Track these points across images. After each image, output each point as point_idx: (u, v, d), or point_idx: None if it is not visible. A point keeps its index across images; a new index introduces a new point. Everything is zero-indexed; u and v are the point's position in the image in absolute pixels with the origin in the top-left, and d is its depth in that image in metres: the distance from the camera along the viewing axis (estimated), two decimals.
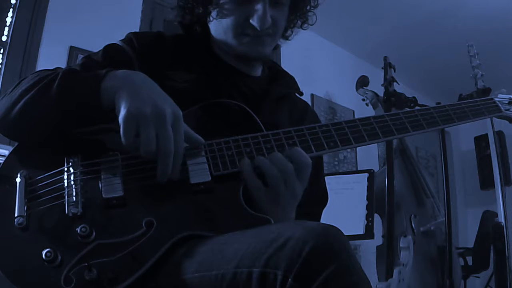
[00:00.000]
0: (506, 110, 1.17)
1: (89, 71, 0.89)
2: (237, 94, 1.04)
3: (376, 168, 2.71)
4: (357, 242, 3.43)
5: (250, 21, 0.99)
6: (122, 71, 0.85)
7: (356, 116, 0.98)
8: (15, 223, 0.74)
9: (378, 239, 2.41)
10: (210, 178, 0.83)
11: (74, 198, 0.77)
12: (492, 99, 1.17)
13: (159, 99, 0.80)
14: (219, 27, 1.04)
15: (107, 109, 0.82)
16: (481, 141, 4.85)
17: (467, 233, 5.01)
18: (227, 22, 1.01)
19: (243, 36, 1.02)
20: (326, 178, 1.22)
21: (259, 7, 0.98)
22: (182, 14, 1.09)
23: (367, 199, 2.35)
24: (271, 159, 0.86)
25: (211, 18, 1.04)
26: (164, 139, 0.77)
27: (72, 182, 0.79)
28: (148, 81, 0.84)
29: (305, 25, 1.15)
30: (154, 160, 0.81)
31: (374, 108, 2.92)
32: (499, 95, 1.20)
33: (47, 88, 0.84)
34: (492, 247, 2.79)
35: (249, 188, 0.85)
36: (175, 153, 0.78)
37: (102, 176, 0.81)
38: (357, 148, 4.45)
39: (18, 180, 0.80)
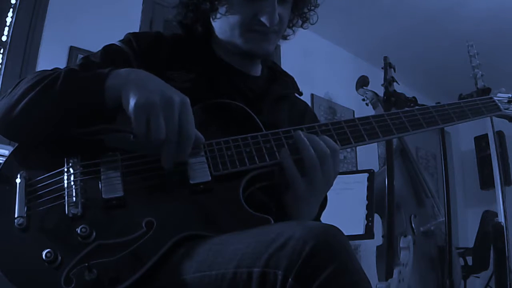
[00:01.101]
0: (505, 109, 1.17)
1: (88, 71, 0.89)
2: (237, 94, 1.04)
3: (376, 168, 2.71)
4: (357, 242, 3.43)
5: (260, 18, 0.99)
6: (125, 69, 0.85)
7: (356, 116, 0.97)
8: (15, 224, 0.74)
9: (378, 239, 2.41)
10: (210, 178, 0.82)
11: (74, 198, 0.77)
12: (491, 98, 1.17)
13: (166, 89, 0.80)
14: (225, 24, 1.04)
15: (110, 108, 0.82)
16: (481, 141, 4.86)
17: (467, 233, 5.02)
18: (234, 18, 1.01)
19: (250, 33, 1.02)
20: None
21: (269, 3, 0.98)
22: (185, 12, 1.09)
23: (367, 199, 2.34)
24: (309, 139, 0.87)
25: (218, 15, 1.03)
26: (170, 126, 0.77)
27: (72, 183, 0.79)
28: (152, 76, 0.85)
29: (306, 24, 1.15)
30: (154, 160, 0.81)
31: (374, 108, 2.91)
32: (499, 94, 1.20)
33: (49, 87, 0.84)
34: (492, 247, 2.79)
35: (287, 175, 0.86)
36: (187, 137, 0.79)
37: (102, 177, 0.81)
38: (357, 148, 4.45)
39: (18, 180, 0.80)
